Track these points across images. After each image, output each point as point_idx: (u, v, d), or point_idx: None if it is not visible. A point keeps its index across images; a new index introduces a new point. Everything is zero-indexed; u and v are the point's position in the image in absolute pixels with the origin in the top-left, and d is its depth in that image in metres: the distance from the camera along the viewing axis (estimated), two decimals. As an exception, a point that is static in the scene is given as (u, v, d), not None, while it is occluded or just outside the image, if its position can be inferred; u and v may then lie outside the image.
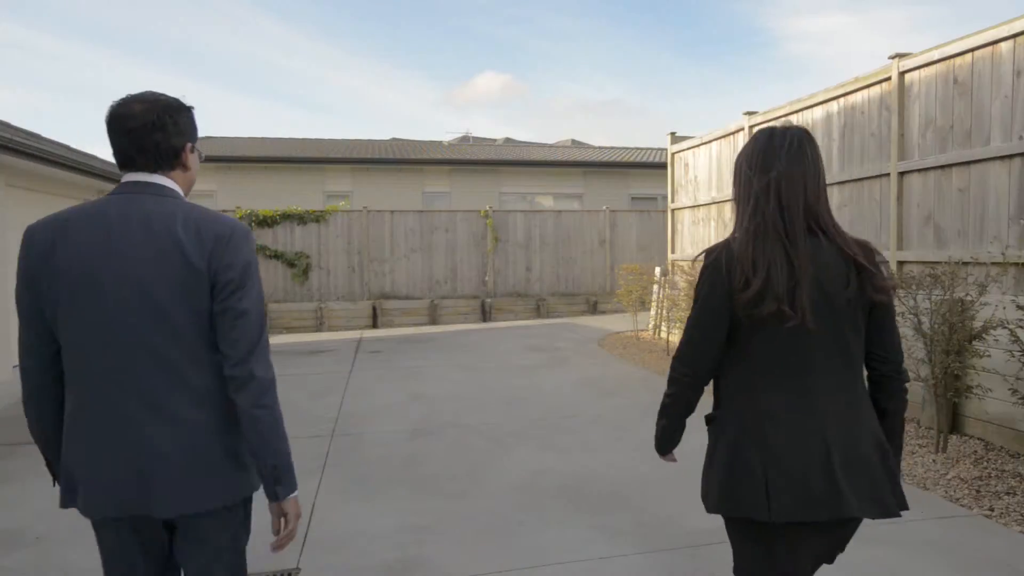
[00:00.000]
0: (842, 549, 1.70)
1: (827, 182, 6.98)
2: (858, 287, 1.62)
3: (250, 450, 1.63)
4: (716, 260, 1.65)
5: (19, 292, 1.59)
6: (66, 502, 1.64)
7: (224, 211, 13.72)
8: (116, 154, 1.63)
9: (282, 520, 1.69)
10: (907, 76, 5.99)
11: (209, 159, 16.81)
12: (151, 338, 1.54)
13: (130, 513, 1.59)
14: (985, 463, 4.28)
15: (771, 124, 1.77)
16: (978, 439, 4.75)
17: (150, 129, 1.60)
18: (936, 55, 5.59)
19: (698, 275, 1.70)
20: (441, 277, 14.26)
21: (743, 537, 1.68)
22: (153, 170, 1.63)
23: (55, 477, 1.69)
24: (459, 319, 13.96)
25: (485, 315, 14.08)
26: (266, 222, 13.59)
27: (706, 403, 1.78)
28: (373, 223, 14.03)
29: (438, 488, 4.11)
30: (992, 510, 3.61)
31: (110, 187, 10.42)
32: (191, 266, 1.55)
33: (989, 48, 5.11)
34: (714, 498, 1.66)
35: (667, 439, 1.83)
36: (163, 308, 1.54)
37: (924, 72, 5.80)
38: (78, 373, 1.57)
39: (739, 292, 1.59)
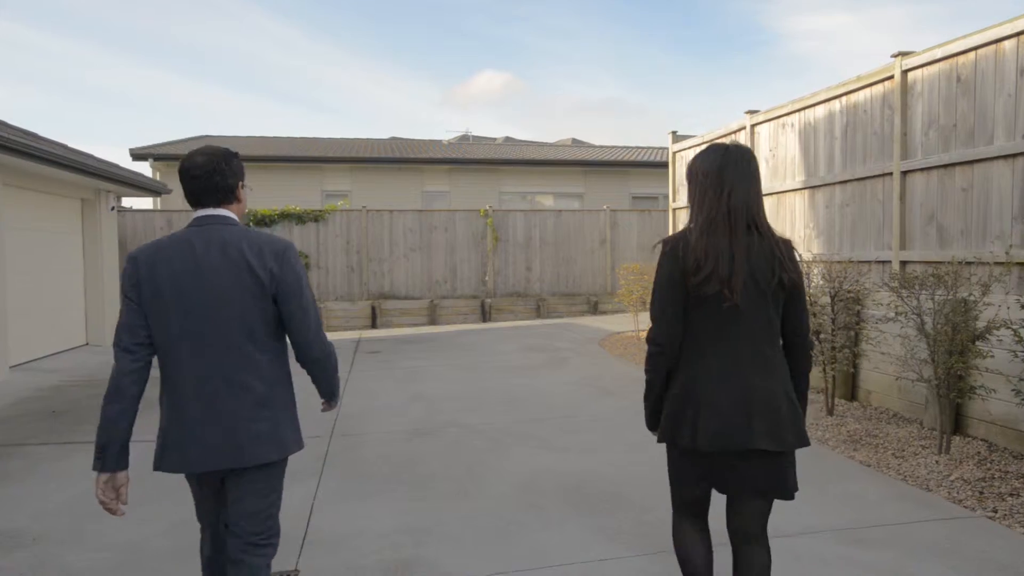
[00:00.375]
0: (775, 490, 2.10)
1: (830, 181, 7.01)
2: (779, 276, 2.05)
3: (318, 385, 2.39)
4: (673, 248, 2.07)
5: (124, 301, 2.08)
6: (158, 464, 2.16)
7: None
8: (187, 195, 2.16)
9: (327, 407, 2.51)
10: (910, 75, 6.00)
11: (207, 158, 16.82)
12: (229, 333, 2.06)
13: (206, 469, 2.10)
14: (989, 464, 4.29)
15: (722, 142, 2.18)
16: (981, 440, 4.76)
17: (211, 174, 2.14)
18: (939, 53, 5.60)
19: (657, 261, 2.12)
20: (440, 277, 14.27)
21: (677, 462, 2.18)
22: (217, 205, 2.16)
23: (100, 452, 2.11)
24: (459, 319, 13.97)
25: (485, 315, 14.09)
26: (264, 221, 13.60)
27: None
28: (372, 222, 14.04)
29: (437, 488, 4.12)
30: (996, 512, 3.62)
31: (107, 186, 10.44)
32: (257, 278, 2.08)
33: (992, 46, 5.12)
34: (664, 434, 2.16)
35: (656, 414, 2.22)
36: (238, 311, 2.06)
37: (927, 71, 5.81)
38: (174, 361, 2.07)
39: (691, 274, 2.02)
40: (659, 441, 2.18)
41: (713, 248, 2.01)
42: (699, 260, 2.01)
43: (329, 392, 2.44)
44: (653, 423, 2.23)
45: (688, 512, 2.26)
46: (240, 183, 2.24)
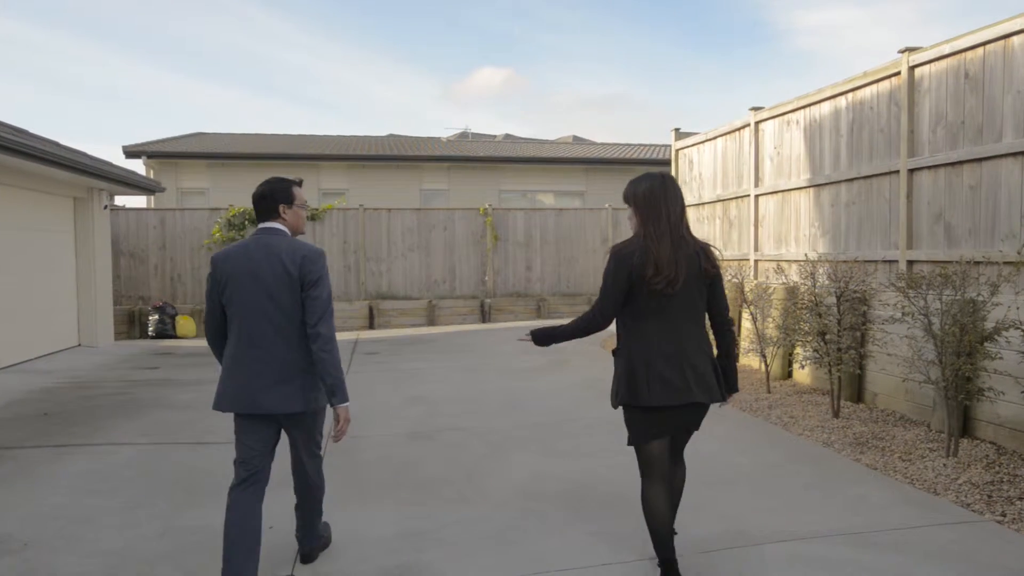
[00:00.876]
0: (697, 426, 2.95)
1: (836, 179, 7.01)
2: (702, 271, 2.81)
3: (319, 374, 2.90)
4: (628, 255, 2.78)
5: (209, 288, 2.99)
6: (216, 405, 2.96)
7: (215, 209, 13.73)
8: (256, 213, 3.07)
9: (337, 420, 2.92)
10: (917, 71, 5.99)
11: (201, 156, 16.83)
12: (268, 311, 2.89)
13: (247, 411, 2.91)
14: (997, 467, 4.28)
15: (658, 172, 2.94)
16: (990, 443, 4.75)
17: (260, 199, 3.06)
18: (947, 49, 5.60)
19: (607, 262, 2.84)
20: (439, 277, 14.26)
21: (636, 417, 2.84)
22: (269, 220, 3.05)
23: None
24: (458, 320, 13.97)
25: (484, 316, 14.08)
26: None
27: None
28: (369, 221, 14.03)
29: (436, 493, 4.11)
30: (1004, 516, 3.61)
31: (100, 184, 10.43)
32: (289, 274, 2.89)
33: (1001, 41, 5.12)
34: (619, 397, 2.84)
35: (558, 340, 2.99)
36: (275, 296, 2.89)
37: (934, 66, 5.80)
38: (233, 328, 2.95)
39: (650, 276, 2.72)
40: (615, 406, 2.89)
41: (663, 254, 2.74)
42: (660, 265, 2.72)
43: (331, 384, 2.89)
44: (550, 343, 3.02)
45: (656, 475, 2.89)
46: (282, 206, 3.05)
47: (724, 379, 2.91)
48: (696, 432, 3.02)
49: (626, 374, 2.80)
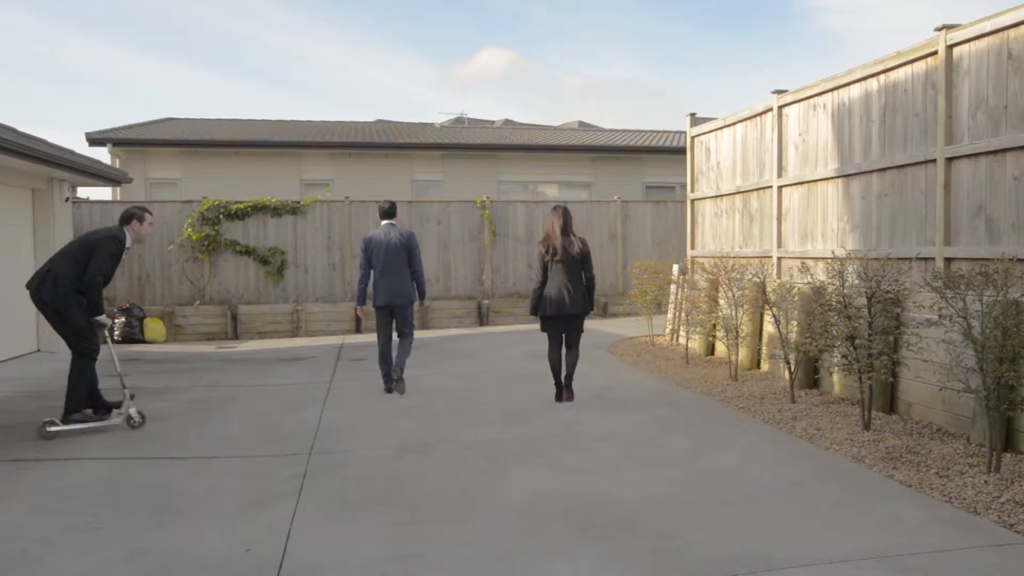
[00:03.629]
0: (575, 327, 6.85)
1: (866, 169, 7.02)
2: (579, 251, 6.70)
3: (417, 287, 7.58)
4: (544, 241, 6.78)
5: (363, 255, 7.48)
6: (374, 303, 7.50)
7: (188, 201, 13.73)
8: (382, 215, 7.62)
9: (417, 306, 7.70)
10: (955, 50, 5.99)
11: (171, 143, 16.85)
12: (396, 264, 7.40)
13: (387, 304, 7.45)
14: (1043, 484, 4.28)
15: (564, 204, 6.92)
16: (1035, 457, 4.75)
17: (385, 212, 7.61)
18: (988, 27, 5.60)
19: (537, 246, 6.85)
20: (432, 276, 14.26)
21: (546, 322, 6.83)
22: (388, 218, 7.58)
23: (359, 299, 7.64)
24: (452, 323, 13.98)
25: (481, 318, 14.09)
26: (236, 215, 13.59)
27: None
28: (356, 215, 14.04)
29: (429, 512, 4.11)
30: (1051, 537, 3.61)
31: (61, 174, 10.43)
32: (403, 245, 7.42)
33: (1048, 18, 5.12)
34: (536, 311, 6.84)
35: (534, 306, 6.86)
36: (400, 256, 7.41)
37: (974, 45, 5.80)
38: (377, 272, 7.44)
39: (550, 253, 6.70)
40: (531, 313, 6.88)
41: (558, 242, 6.66)
42: (554, 248, 6.65)
43: (422, 292, 7.58)
44: (533, 310, 6.85)
45: (556, 344, 6.83)
46: (396, 214, 7.55)
47: (586, 304, 6.76)
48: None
49: (538, 299, 6.78)
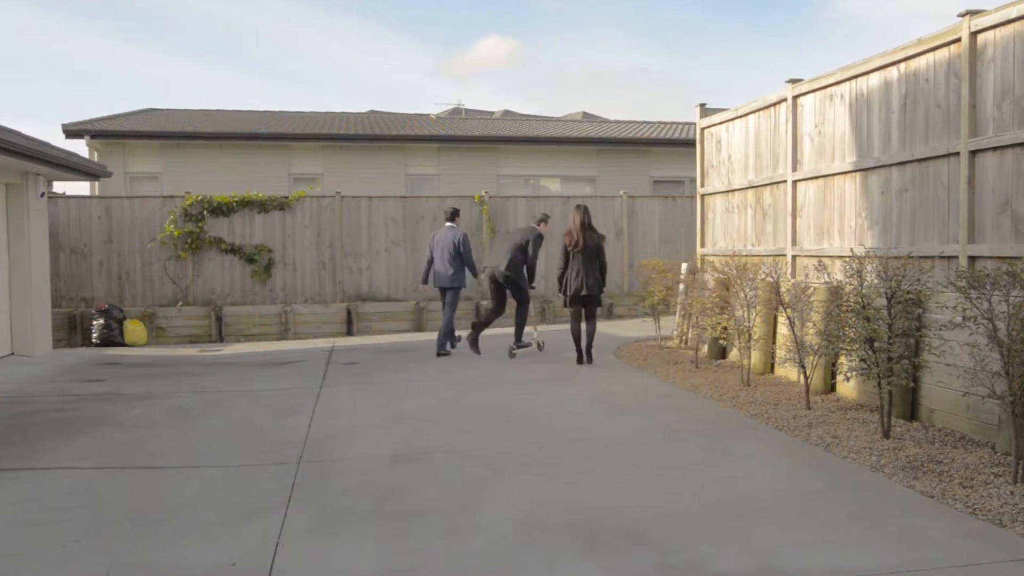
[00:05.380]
0: (591, 305, 9.06)
1: (886, 162, 7.03)
2: (594, 244, 8.88)
3: (469, 271, 10.41)
4: (568, 235, 8.96)
5: (428, 249, 10.49)
6: (426, 281, 10.64)
7: (169, 197, 13.75)
8: (445, 217, 10.62)
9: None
10: (980, 37, 6.00)
11: (153, 136, 16.87)
12: (444, 256, 10.21)
13: (439, 286, 10.43)
14: (1072, 495, 4.28)
15: (580, 203, 9.24)
16: (1064, 467, 4.75)
17: (450, 215, 10.55)
18: (1014, 12, 5.60)
19: (566, 236, 9.01)
20: (428, 275, 14.27)
21: (567, 303, 9.03)
22: (451, 221, 10.47)
23: (424, 281, 10.62)
24: (449, 325, 13.95)
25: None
26: (221, 210, 13.60)
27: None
28: (348, 211, 14.05)
29: (424, 524, 4.11)
30: (1081, 551, 3.61)
31: (36, 168, 10.43)
32: (452, 243, 10.19)
33: (1077, 4, 5.12)
34: (562, 290, 9.06)
35: (559, 285, 9.13)
36: (447, 251, 10.20)
37: (1000, 32, 5.80)
38: (433, 262, 10.40)
39: (572, 245, 8.89)
40: (559, 292, 9.10)
41: (580, 236, 8.82)
42: (576, 241, 8.82)
43: (473, 273, 10.42)
44: (560, 290, 9.07)
45: (576, 317, 9.10)
46: (457, 217, 10.51)
47: (599, 286, 8.90)
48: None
49: (563, 282, 8.94)
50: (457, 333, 10.48)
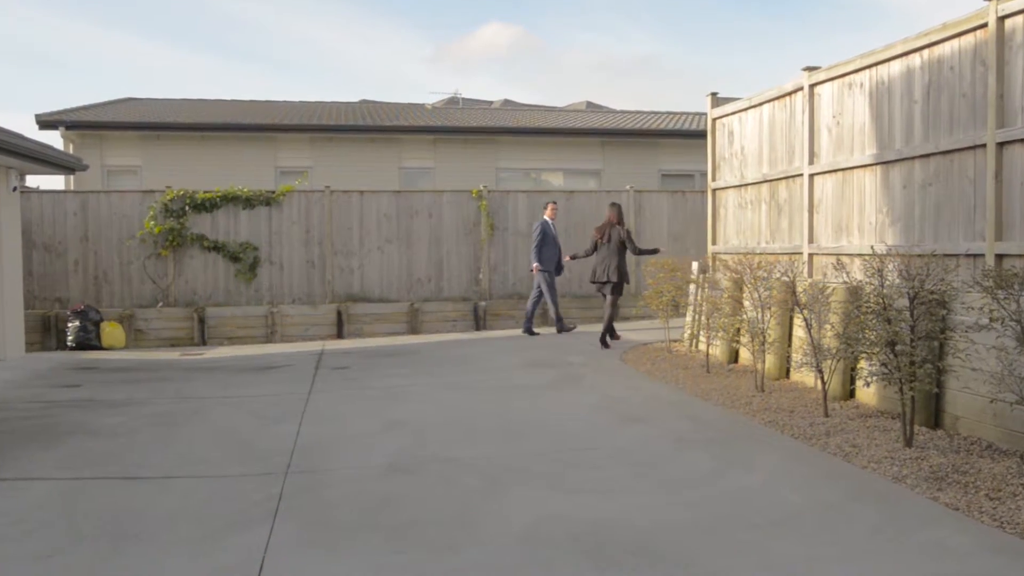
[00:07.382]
0: (609, 291, 10.93)
1: (908, 155, 7.03)
2: (620, 239, 10.91)
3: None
4: (600, 228, 11.18)
5: (540, 235, 12.28)
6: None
7: (149, 191, 13.75)
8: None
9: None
10: (1007, 22, 6.00)
11: (131, 127, 16.88)
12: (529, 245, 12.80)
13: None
14: (1106, 507, 4.28)
15: (614, 202, 11.54)
16: (1097, 477, 4.75)
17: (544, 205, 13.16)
18: (1044, -4, 5.60)
19: (596, 230, 11.31)
20: (423, 275, 14.29)
21: (595, 285, 11.38)
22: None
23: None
24: (446, 327, 13.99)
25: (478, 322, 14.10)
26: (203, 206, 13.61)
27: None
28: (338, 207, 14.05)
29: (420, 538, 4.11)
30: (1115, 566, 3.61)
31: (7, 161, 10.43)
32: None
33: (1111, -13, 5.12)
34: (591, 277, 11.32)
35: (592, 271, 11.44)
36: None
37: (1029, 17, 5.80)
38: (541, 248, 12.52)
39: (601, 237, 11.08)
40: (591, 281, 11.38)
41: (607, 231, 10.97)
42: (607, 234, 10.95)
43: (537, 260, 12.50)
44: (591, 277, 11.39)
45: (600, 292, 11.45)
46: (551, 205, 12.70)
47: (619, 275, 10.80)
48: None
49: (592, 270, 11.18)
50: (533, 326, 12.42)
